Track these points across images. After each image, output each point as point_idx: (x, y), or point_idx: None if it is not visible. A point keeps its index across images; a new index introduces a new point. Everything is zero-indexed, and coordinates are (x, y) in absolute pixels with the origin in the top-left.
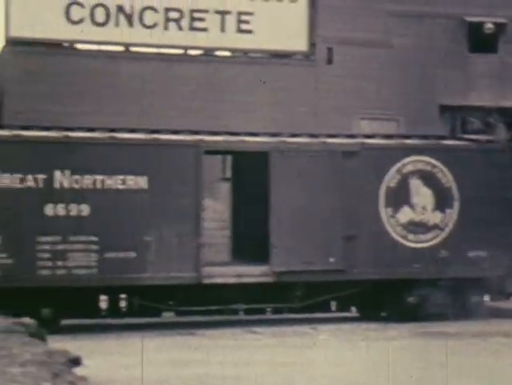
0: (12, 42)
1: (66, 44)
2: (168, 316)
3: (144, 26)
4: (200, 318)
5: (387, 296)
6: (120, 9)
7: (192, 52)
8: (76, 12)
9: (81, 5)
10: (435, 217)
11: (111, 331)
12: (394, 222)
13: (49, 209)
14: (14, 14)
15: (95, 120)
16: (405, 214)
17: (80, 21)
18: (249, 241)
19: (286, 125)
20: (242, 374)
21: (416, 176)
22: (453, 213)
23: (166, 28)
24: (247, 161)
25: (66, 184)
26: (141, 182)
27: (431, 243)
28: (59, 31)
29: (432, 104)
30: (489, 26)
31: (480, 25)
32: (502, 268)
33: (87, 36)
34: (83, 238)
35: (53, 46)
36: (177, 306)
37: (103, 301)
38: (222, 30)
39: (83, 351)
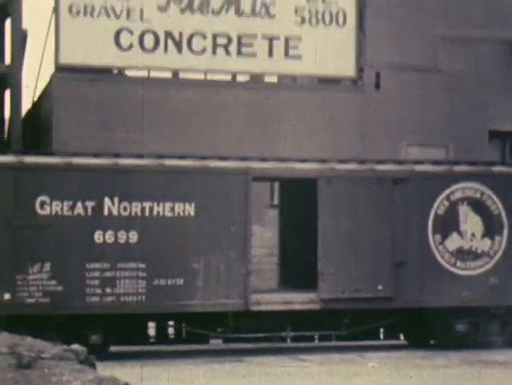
0: (61, 69)
1: (115, 70)
2: (216, 343)
3: (193, 51)
4: (248, 345)
5: (435, 323)
6: (169, 35)
7: (240, 78)
8: (125, 38)
9: (130, 31)
10: (484, 244)
11: (160, 358)
12: (443, 249)
13: (98, 236)
14: (64, 41)
15: (144, 147)
16: (454, 241)
17: (129, 47)
18: (297, 267)
19: (334, 151)
20: None
21: (464, 202)
22: (502, 240)
23: (214, 53)
24: (295, 188)
25: (114, 211)
26: (189, 209)
27: (480, 270)
28: (109, 58)
29: (481, 130)
30: None
31: None
32: None
33: (136, 62)
34: (131, 265)
35: (102, 73)
36: (225, 333)
37: (152, 328)
38: (270, 55)
39: (132, 378)
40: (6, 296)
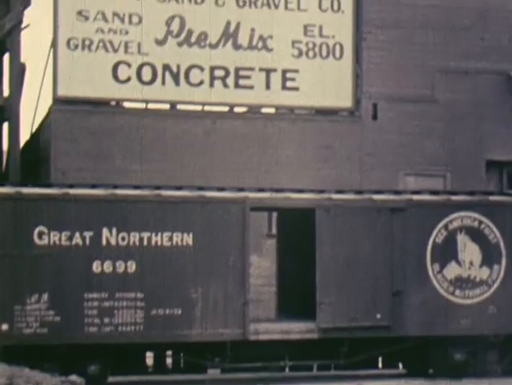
0: (60, 101)
1: (113, 102)
2: (214, 373)
3: (190, 84)
4: (246, 374)
5: (434, 352)
6: (167, 67)
7: (237, 109)
8: (123, 71)
9: (128, 64)
10: (482, 273)
11: None
12: (441, 278)
13: (96, 266)
14: (62, 74)
15: (142, 177)
16: (452, 270)
17: (127, 80)
18: (295, 297)
19: (332, 181)
20: None
21: (463, 231)
22: (500, 269)
23: (212, 86)
24: (293, 217)
25: (113, 241)
26: (187, 239)
27: (479, 299)
28: (106, 90)
29: (478, 159)
30: None
31: None
32: None
33: (133, 95)
34: (129, 295)
35: (100, 105)
36: (223, 363)
37: (150, 358)
38: (268, 87)
39: None
40: (4, 326)
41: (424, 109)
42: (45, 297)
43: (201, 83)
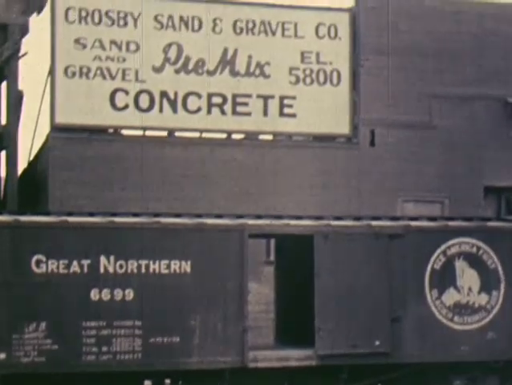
0: (57, 129)
1: (110, 130)
2: None
3: (188, 111)
4: None
5: (433, 379)
6: (164, 95)
7: (235, 136)
8: (121, 98)
9: (126, 91)
10: (481, 299)
11: None
12: (440, 304)
13: (94, 294)
14: (60, 101)
15: (140, 205)
16: (451, 296)
17: (125, 107)
18: (294, 323)
19: (330, 207)
20: None
21: (461, 257)
22: (499, 295)
23: (209, 113)
24: (291, 244)
25: (111, 269)
26: (185, 266)
27: (478, 325)
28: (104, 117)
29: (476, 186)
30: None
31: None
32: None
33: (131, 122)
34: (127, 323)
35: (98, 132)
36: None
37: None
38: (265, 114)
39: None
40: (2, 355)
41: (422, 135)
42: (43, 325)
43: (199, 110)
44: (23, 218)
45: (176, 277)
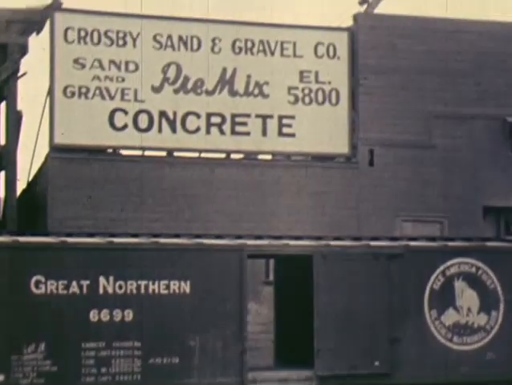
0: (56, 149)
1: (109, 150)
2: None
3: (187, 130)
4: None
5: None
6: (163, 114)
7: (234, 156)
8: (120, 118)
9: (125, 111)
10: (480, 319)
11: None
12: (439, 324)
13: (93, 315)
14: (59, 121)
15: (139, 225)
16: (450, 316)
17: (124, 127)
18: (293, 344)
19: (329, 227)
20: None
21: (460, 277)
22: (498, 315)
23: (208, 132)
24: (290, 264)
25: (110, 290)
26: (185, 286)
27: (477, 345)
28: (103, 137)
29: (475, 206)
30: None
31: None
32: None
33: (130, 142)
34: (126, 344)
35: (97, 153)
36: None
37: None
38: (264, 133)
39: None
40: (0, 377)
41: (421, 155)
42: (42, 346)
43: (198, 129)
44: (22, 239)
45: (176, 298)
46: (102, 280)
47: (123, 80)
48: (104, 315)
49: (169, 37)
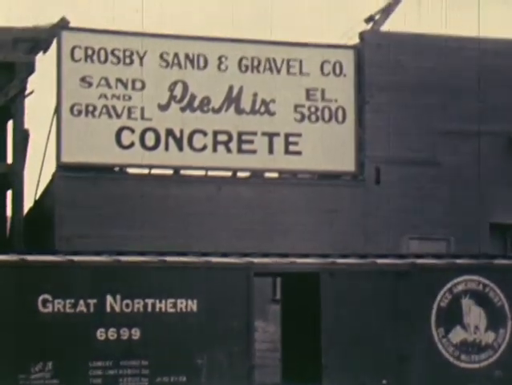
0: (63, 168)
1: (116, 168)
2: None
3: (193, 148)
4: None
5: None
6: (170, 133)
7: (240, 174)
8: (126, 137)
9: (131, 129)
10: (488, 337)
11: None
12: (446, 342)
13: (100, 334)
14: (65, 140)
15: (146, 244)
16: (457, 334)
17: (130, 145)
18: (301, 361)
19: (336, 245)
20: None
21: (467, 295)
22: (506, 333)
23: (215, 150)
24: (297, 282)
25: (117, 308)
26: (191, 305)
27: (484, 363)
28: (110, 156)
29: (482, 223)
30: None
31: None
32: None
33: (137, 160)
34: (134, 362)
35: (104, 171)
36: None
37: None
38: (270, 151)
39: None
40: None
41: (427, 172)
42: (49, 365)
43: (204, 147)
44: (29, 258)
45: (183, 316)
46: (109, 298)
47: (129, 98)
48: (111, 334)
49: (176, 55)
